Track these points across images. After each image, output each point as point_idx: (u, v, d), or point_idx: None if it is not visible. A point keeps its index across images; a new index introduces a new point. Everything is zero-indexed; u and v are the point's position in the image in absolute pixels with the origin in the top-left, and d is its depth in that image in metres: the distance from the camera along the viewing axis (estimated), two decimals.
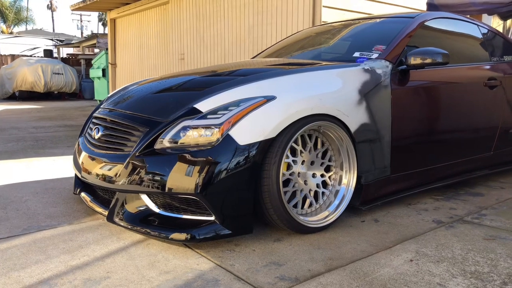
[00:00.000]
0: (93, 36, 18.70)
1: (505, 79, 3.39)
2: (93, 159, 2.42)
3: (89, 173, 2.41)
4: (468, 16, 3.77)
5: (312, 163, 2.37)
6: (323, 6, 5.04)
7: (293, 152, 2.30)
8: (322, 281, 1.78)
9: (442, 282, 1.77)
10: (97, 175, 2.33)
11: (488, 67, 3.38)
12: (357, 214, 2.61)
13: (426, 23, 3.05)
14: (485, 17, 6.00)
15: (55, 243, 2.15)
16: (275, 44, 3.93)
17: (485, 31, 3.56)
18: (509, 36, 5.77)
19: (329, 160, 2.44)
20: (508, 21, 6.06)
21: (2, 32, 31.36)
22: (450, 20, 3.35)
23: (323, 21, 4.96)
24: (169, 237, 2.06)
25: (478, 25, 3.52)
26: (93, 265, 1.91)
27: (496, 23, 6.34)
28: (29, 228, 2.35)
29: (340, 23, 3.67)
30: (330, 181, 2.45)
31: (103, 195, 2.52)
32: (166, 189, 2.06)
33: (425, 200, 2.94)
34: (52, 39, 23.88)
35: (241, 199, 2.08)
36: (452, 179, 3.12)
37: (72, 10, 10.24)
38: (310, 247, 2.12)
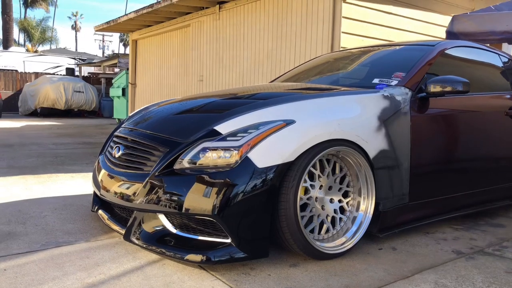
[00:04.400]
0: (114, 56, 19.16)
1: None
2: (112, 177, 2.45)
3: (107, 191, 2.44)
4: (488, 45, 3.76)
5: (330, 188, 2.36)
6: (342, 32, 5.10)
7: (311, 177, 2.29)
8: None
9: None
10: (116, 193, 2.36)
11: (509, 96, 3.35)
12: (375, 242, 2.57)
13: (446, 51, 3.05)
14: (505, 46, 5.97)
15: (72, 259, 2.17)
16: (294, 69, 3.97)
17: (506, 60, 3.55)
18: None
19: (347, 186, 2.43)
20: None
21: (28, 50, 32.38)
22: (470, 49, 3.34)
23: (342, 47, 5.01)
24: (185, 258, 2.06)
25: (498, 54, 3.51)
26: (108, 283, 1.92)
27: None
28: (47, 244, 2.37)
29: (359, 49, 3.70)
30: (348, 207, 2.43)
31: (120, 213, 2.54)
32: (183, 209, 2.07)
33: (444, 229, 2.88)
34: (74, 58, 24.54)
35: (257, 222, 2.08)
36: (472, 208, 3.06)
37: (96, 30, 10.54)
38: (326, 274, 2.09)
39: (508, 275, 2.14)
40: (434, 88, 2.64)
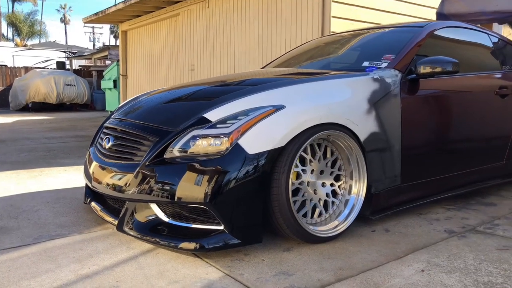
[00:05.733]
0: (105, 48, 18.96)
1: None
2: (103, 168, 2.44)
3: (99, 182, 2.43)
4: (479, 25, 3.75)
5: (321, 172, 2.36)
6: (332, 17, 5.06)
7: (303, 161, 2.29)
8: None
9: None
10: (107, 184, 2.35)
11: (499, 75, 3.36)
12: (368, 224, 2.58)
13: (435, 32, 3.04)
14: (495, 26, 5.96)
15: (65, 252, 2.17)
16: (285, 54, 3.95)
17: (496, 39, 3.54)
18: None
19: (339, 170, 2.43)
20: None
21: (16, 45, 31.97)
22: (460, 29, 3.34)
23: (332, 31, 4.98)
24: (178, 247, 2.06)
25: (488, 34, 3.50)
26: (102, 274, 1.92)
27: (507, 32, 6.30)
28: (40, 237, 2.37)
29: (349, 33, 3.68)
30: (340, 190, 2.44)
31: (113, 204, 2.54)
32: (176, 198, 2.07)
33: (436, 210, 2.91)
34: (64, 51, 24.27)
35: (250, 208, 2.08)
36: (464, 188, 3.08)
37: (85, 22, 10.41)
38: (320, 257, 2.11)
39: (499, 252, 2.17)
40: (424, 69, 2.63)
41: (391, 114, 2.54)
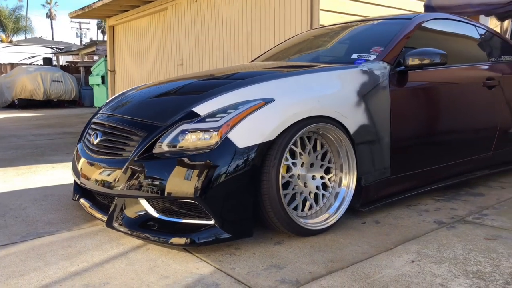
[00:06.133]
0: (92, 43, 18.76)
1: (503, 79, 3.39)
2: (91, 164, 2.41)
3: (88, 178, 2.40)
4: (466, 17, 3.77)
5: (311, 165, 2.36)
6: (321, 10, 5.05)
7: (293, 155, 2.29)
8: (323, 284, 1.76)
9: (444, 282, 1.76)
10: (96, 180, 2.32)
11: (486, 67, 3.38)
12: (358, 216, 2.59)
13: (423, 24, 3.05)
14: (482, 18, 6.01)
15: (53, 249, 2.14)
16: (274, 48, 3.93)
17: (483, 31, 3.56)
18: (507, 36, 5.78)
19: (329, 162, 2.44)
20: (506, 22, 6.08)
21: (2, 41, 31.46)
22: (447, 21, 3.35)
23: (320, 24, 4.97)
24: (169, 242, 2.05)
25: (475, 26, 3.53)
26: (92, 271, 1.90)
27: (493, 24, 6.35)
28: (28, 235, 2.33)
29: (338, 25, 3.67)
30: (330, 183, 2.44)
31: (102, 200, 2.51)
32: (165, 193, 2.05)
33: (426, 201, 2.93)
34: (51, 47, 23.96)
35: (240, 202, 2.07)
36: (453, 179, 3.11)
37: (71, 18, 10.27)
38: (311, 250, 2.11)
39: (487, 241, 2.19)
40: (412, 61, 2.64)
41: (380, 106, 2.54)
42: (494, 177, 3.57)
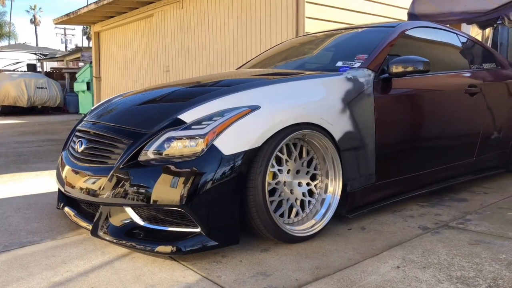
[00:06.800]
0: (77, 49, 18.60)
1: (484, 86, 3.46)
2: (76, 172, 2.38)
3: (72, 187, 2.37)
4: (448, 25, 3.84)
5: (297, 172, 2.37)
6: (306, 17, 5.10)
7: (279, 161, 2.30)
8: None
9: None
10: (81, 188, 2.30)
11: (468, 74, 3.45)
12: (344, 222, 2.61)
13: (407, 32, 3.10)
14: (464, 27, 6.13)
15: (37, 259, 2.11)
16: (260, 55, 3.95)
17: (464, 40, 3.64)
18: (488, 44, 5.90)
19: (315, 169, 2.45)
20: (487, 30, 6.20)
21: None
22: (430, 29, 3.41)
23: (306, 32, 5.02)
24: (155, 250, 2.03)
25: (457, 34, 3.60)
26: (76, 280, 1.87)
27: (475, 32, 6.48)
28: (11, 245, 2.29)
29: (323, 33, 3.71)
30: (316, 189, 2.46)
31: (87, 209, 2.48)
32: (151, 201, 2.04)
33: (411, 206, 2.96)
34: (35, 53, 23.65)
35: (227, 209, 2.07)
36: (437, 185, 3.15)
37: (56, 24, 10.18)
38: (297, 257, 2.11)
39: (470, 246, 2.22)
40: (396, 69, 2.68)
41: (365, 113, 2.57)
42: (478, 183, 3.63)
